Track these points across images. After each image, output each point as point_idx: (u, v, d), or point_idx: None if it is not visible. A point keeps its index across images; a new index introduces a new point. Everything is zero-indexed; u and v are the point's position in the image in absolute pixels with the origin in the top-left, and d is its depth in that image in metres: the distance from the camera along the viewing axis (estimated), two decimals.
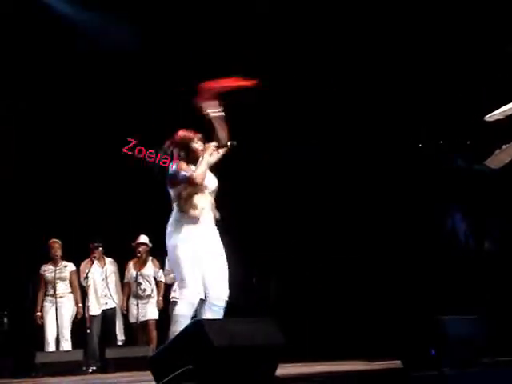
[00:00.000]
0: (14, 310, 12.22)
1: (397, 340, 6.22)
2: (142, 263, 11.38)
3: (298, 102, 12.05)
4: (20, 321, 12.27)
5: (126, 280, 11.53)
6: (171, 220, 6.38)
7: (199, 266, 6.24)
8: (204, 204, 6.36)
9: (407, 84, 11.35)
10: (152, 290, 11.35)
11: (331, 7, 11.14)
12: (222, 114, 6.52)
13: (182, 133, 6.49)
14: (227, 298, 6.40)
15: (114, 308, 11.55)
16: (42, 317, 11.12)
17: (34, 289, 11.47)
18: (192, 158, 6.40)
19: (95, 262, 11.38)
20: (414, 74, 11.15)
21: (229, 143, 6.52)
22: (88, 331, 11.21)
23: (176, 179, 6.34)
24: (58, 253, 11.23)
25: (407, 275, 11.66)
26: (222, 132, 6.55)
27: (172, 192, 6.41)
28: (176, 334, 5.97)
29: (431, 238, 11.90)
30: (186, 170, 6.31)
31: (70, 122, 12.57)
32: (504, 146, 8.04)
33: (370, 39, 11.30)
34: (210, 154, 6.41)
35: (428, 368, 5.82)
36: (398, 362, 6.18)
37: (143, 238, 11.37)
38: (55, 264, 11.22)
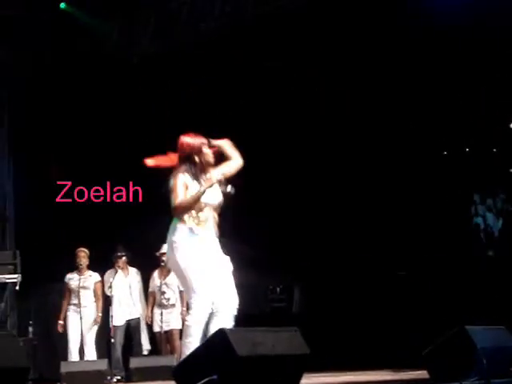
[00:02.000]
0: (39, 320, 12.26)
1: (424, 350, 6.15)
2: (166, 272, 11.36)
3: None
4: (45, 330, 12.31)
5: (150, 289, 11.52)
6: (172, 230, 6.25)
7: (207, 278, 6.13)
8: (206, 219, 6.22)
9: (433, 92, 11.31)
10: (176, 299, 11.33)
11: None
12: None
13: (191, 139, 6.29)
14: (237, 307, 6.31)
15: (139, 318, 11.55)
16: (64, 325, 11.13)
17: (57, 298, 11.49)
18: (201, 164, 6.23)
19: (119, 271, 11.38)
20: (440, 80, 11.11)
21: (228, 189, 6.29)
22: (112, 341, 11.20)
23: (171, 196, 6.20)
24: (84, 262, 11.24)
25: (436, 285, 11.60)
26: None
27: (172, 204, 6.24)
28: (189, 345, 5.94)
29: (460, 246, 11.84)
30: (177, 193, 6.13)
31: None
32: None
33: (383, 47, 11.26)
34: (208, 187, 6.18)
35: (455, 379, 5.75)
36: (425, 372, 6.12)
37: (165, 248, 11.34)
38: (80, 273, 11.23)
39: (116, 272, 11.35)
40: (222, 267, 6.29)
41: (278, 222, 12.81)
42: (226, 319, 6.21)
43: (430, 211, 11.98)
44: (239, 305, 10.94)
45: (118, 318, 11.33)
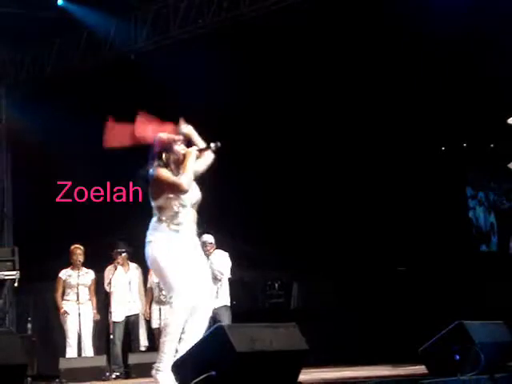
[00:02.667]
0: (37, 316, 12.26)
1: (422, 345, 6.16)
2: None
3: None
4: (43, 327, 12.32)
5: (148, 286, 11.53)
6: (151, 229, 6.17)
7: (185, 275, 6.05)
8: (186, 216, 6.16)
9: (431, 88, 11.32)
10: None
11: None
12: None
13: (164, 136, 6.25)
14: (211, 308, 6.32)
15: (138, 314, 11.55)
16: (65, 312, 11.12)
17: (53, 295, 11.49)
18: (174, 161, 6.17)
19: (119, 267, 11.39)
20: (438, 76, 11.12)
21: (212, 145, 6.24)
22: (111, 337, 11.21)
23: (159, 188, 6.13)
24: (81, 258, 11.24)
25: (435, 280, 11.62)
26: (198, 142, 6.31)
27: (153, 201, 6.17)
28: (168, 343, 5.97)
29: (459, 240, 11.86)
30: (171, 178, 6.08)
31: None
32: None
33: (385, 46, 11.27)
34: (194, 159, 6.16)
35: (453, 374, 5.76)
36: (423, 367, 6.13)
37: None
38: (77, 269, 11.23)
39: (116, 268, 11.36)
40: (200, 267, 6.23)
41: (276, 219, 12.83)
42: (201, 319, 6.14)
43: (429, 207, 12.00)
44: (238, 300, 10.97)
45: (118, 314, 11.34)
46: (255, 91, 12.13)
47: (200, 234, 10.66)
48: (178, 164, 6.18)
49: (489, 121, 10.36)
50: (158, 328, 11.26)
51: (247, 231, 12.43)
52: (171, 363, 5.72)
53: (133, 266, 11.65)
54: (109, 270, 11.50)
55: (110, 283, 11.21)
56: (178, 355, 5.87)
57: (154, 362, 6.10)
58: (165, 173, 6.11)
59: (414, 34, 10.75)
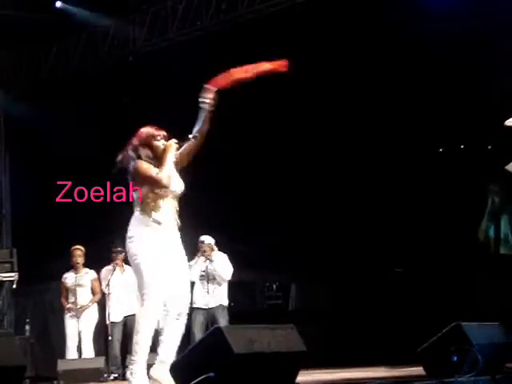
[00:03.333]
0: (36, 318, 12.27)
1: (420, 346, 6.17)
2: None
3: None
4: (42, 328, 12.32)
5: None
6: (132, 223, 6.10)
7: (161, 273, 5.96)
8: (167, 208, 6.07)
9: (428, 89, 11.32)
10: None
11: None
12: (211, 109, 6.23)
13: (144, 130, 6.20)
14: (188, 306, 6.17)
15: (135, 315, 11.55)
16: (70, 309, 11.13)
17: (54, 296, 11.50)
18: (154, 156, 6.09)
19: (117, 268, 11.40)
20: (436, 77, 11.12)
21: (190, 136, 6.18)
22: (110, 338, 11.22)
23: (139, 180, 6.07)
24: (80, 260, 11.23)
25: (432, 281, 11.63)
26: (204, 126, 6.25)
27: (135, 194, 6.12)
28: (140, 342, 5.96)
29: (455, 243, 11.87)
30: (151, 171, 6.00)
31: None
32: None
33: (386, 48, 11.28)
34: (174, 152, 6.09)
35: (451, 375, 5.77)
36: (421, 368, 6.14)
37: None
38: (76, 271, 11.24)
39: (114, 269, 11.37)
40: (179, 262, 6.12)
41: (274, 221, 12.83)
42: (178, 316, 6.04)
43: (427, 208, 12.00)
44: (236, 302, 10.97)
45: (116, 315, 11.34)
46: (255, 92, 12.13)
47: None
48: (157, 158, 6.09)
49: (486, 123, 10.37)
50: (156, 329, 11.27)
51: (245, 232, 12.44)
52: (145, 364, 5.74)
53: (128, 267, 11.65)
54: (107, 270, 11.50)
55: (108, 284, 11.22)
56: (160, 357, 5.88)
57: (152, 364, 6.08)
58: (145, 166, 6.03)
59: (412, 35, 10.76)
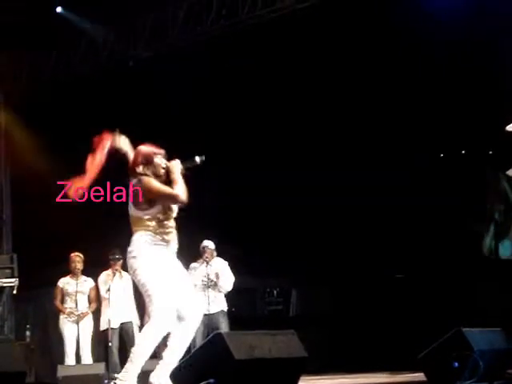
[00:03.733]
0: (36, 324, 12.26)
1: (421, 352, 6.16)
2: None
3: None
4: (42, 334, 12.31)
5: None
6: (138, 243, 5.99)
7: (170, 287, 5.90)
8: (171, 225, 6.05)
9: (430, 95, 11.32)
10: None
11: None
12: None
13: (144, 148, 6.14)
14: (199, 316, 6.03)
15: (131, 322, 11.52)
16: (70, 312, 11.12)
17: (52, 302, 11.48)
18: (153, 174, 6.03)
19: (117, 274, 11.40)
20: (437, 84, 11.12)
21: (197, 158, 6.10)
22: (109, 344, 11.21)
23: (149, 198, 5.97)
24: (80, 266, 11.23)
25: (433, 287, 11.62)
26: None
27: (141, 212, 6.02)
28: (137, 356, 5.75)
29: (457, 249, 11.86)
30: (164, 188, 5.93)
31: None
32: None
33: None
34: (179, 170, 6.02)
35: (452, 381, 5.77)
36: (422, 374, 6.13)
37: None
38: (76, 278, 11.23)
39: (114, 275, 11.36)
40: (184, 276, 6.12)
41: (275, 227, 12.82)
42: (191, 327, 5.87)
43: (428, 213, 11.99)
44: (237, 307, 10.94)
45: (113, 321, 11.34)
46: (256, 97, 12.16)
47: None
48: (157, 176, 6.03)
49: (487, 128, 10.37)
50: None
51: (246, 238, 12.43)
52: (136, 375, 5.67)
53: (126, 274, 11.65)
54: (106, 275, 11.49)
55: (109, 289, 11.22)
56: (164, 361, 5.82)
57: (151, 370, 6.01)
58: (156, 183, 5.98)
59: (413, 40, 10.76)
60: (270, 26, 10.98)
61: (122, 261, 11.40)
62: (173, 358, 5.81)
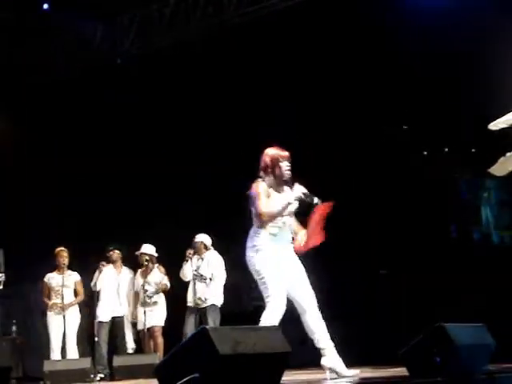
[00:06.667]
0: (23, 319, 12.27)
1: (404, 347, 6.22)
2: (148, 271, 11.46)
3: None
4: (28, 329, 12.32)
5: (134, 289, 11.59)
6: (251, 234, 6.58)
7: (282, 279, 6.53)
8: (284, 223, 6.55)
9: (413, 92, 11.38)
10: (159, 297, 11.44)
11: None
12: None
13: (269, 151, 6.60)
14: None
15: (123, 316, 11.59)
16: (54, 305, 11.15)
17: (40, 297, 11.51)
18: (278, 176, 6.54)
19: (111, 266, 11.49)
20: (420, 81, 11.18)
21: (315, 200, 6.64)
22: (96, 339, 11.26)
23: (252, 202, 6.51)
24: (66, 261, 11.29)
25: (415, 283, 11.69)
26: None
27: (252, 210, 6.56)
28: None
29: (439, 243, 11.94)
30: (260, 201, 6.43)
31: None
32: (508, 154, 8.05)
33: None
34: (289, 205, 6.53)
35: (433, 375, 5.83)
36: (404, 369, 6.19)
37: (145, 248, 11.44)
38: (61, 272, 11.27)
39: (102, 267, 11.44)
40: (299, 271, 6.70)
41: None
42: (314, 316, 6.69)
43: (410, 210, 12.06)
44: (222, 303, 10.99)
45: (104, 315, 11.39)
46: (242, 96, 12.17)
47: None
48: (281, 179, 6.55)
49: (470, 126, 10.45)
50: (143, 330, 11.33)
51: (232, 233, 12.44)
52: None
53: (126, 269, 11.72)
54: (108, 269, 11.57)
55: (95, 283, 11.32)
56: (326, 348, 6.71)
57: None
58: (258, 190, 6.47)
59: (393, 36, 10.82)
60: (256, 24, 11.03)
61: (118, 252, 11.50)
62: (326, 341, 6.85)
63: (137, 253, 11.41)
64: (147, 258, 11.42)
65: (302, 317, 6.76)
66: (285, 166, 6.57)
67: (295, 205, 6.66)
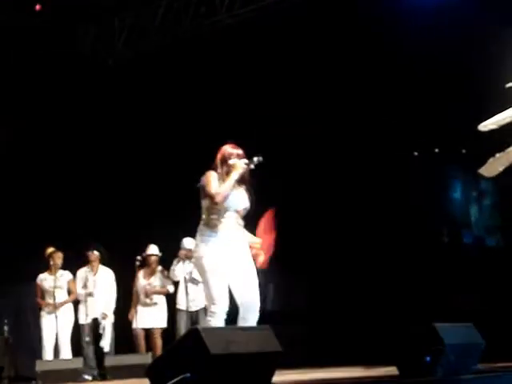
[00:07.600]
0: (15, 318, 12.27)
1: (393, 346, 6.26)
2: (151, 273, 11.45)
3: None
4: (21, 329, 12.32)
5: (134, 289, 11.51)
6: (197, 232, 6.49)
7: (225, 280, 6.32)
8: (227, 219, 6.41)
9: (403, 93, 11.41)
10: (160, 298, 11.46)
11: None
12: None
13: (223, 148, 6.57)
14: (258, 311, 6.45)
15: (97, 319, 11.53)
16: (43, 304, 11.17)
17: (33, 297, 11.52)
18: (227, 173, 6.44)
19: (85, 268, 11.50)
20: (410, 82, 11.21)
21: (254, 159, 6.48)
22: (87, 339, 11.28)
23: (203, 192, 6.42)
24: (59, 262, 11.30)
25: (404, 282, 11.72)
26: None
27: (202, 203, 6.48)
28: None
29: (429, 244, 11.97)
30: (211, 185, 6.33)
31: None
32: (498, 155, 8.10)
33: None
34: (238, 173, 6.42)
35: (423, 375, 5.86)
36: (395, 368, 6.23)
37: (153, 249, 11.43)
38: (53, 273, 11.27)
39: (91, 269, 11.45)
40: (247, 270, 6.47)
41: (252, 221, 12.84)
42: (251, 321, 6.35)
43: (401, 209, 12.09)
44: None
45: (82, 317, 11.40)
46: (234, 96, 12.18)
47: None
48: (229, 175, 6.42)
49: (460, 127, 10.47)
50: (137, 328, 11.29)
51: None
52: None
53: (103, 269, 11.67)
54: (84, 271, 11.55)
55: (85, 285, 11.30)
56: None
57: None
58: (209, 177, 6.38)
59: (388, 40, 10.84)
60: (248, 25, 11.05)
61: (96, 252, 11.49)
62: None
63: (144, 254, 11.37)
64: (154, 258, 11.45)
65: (239, 314, 6.44)
66: (233, 163, 6.44)
67: (242, 201, 6.53)
